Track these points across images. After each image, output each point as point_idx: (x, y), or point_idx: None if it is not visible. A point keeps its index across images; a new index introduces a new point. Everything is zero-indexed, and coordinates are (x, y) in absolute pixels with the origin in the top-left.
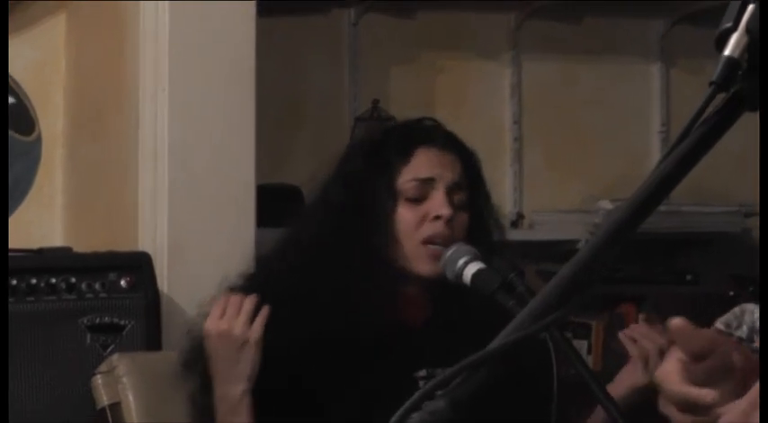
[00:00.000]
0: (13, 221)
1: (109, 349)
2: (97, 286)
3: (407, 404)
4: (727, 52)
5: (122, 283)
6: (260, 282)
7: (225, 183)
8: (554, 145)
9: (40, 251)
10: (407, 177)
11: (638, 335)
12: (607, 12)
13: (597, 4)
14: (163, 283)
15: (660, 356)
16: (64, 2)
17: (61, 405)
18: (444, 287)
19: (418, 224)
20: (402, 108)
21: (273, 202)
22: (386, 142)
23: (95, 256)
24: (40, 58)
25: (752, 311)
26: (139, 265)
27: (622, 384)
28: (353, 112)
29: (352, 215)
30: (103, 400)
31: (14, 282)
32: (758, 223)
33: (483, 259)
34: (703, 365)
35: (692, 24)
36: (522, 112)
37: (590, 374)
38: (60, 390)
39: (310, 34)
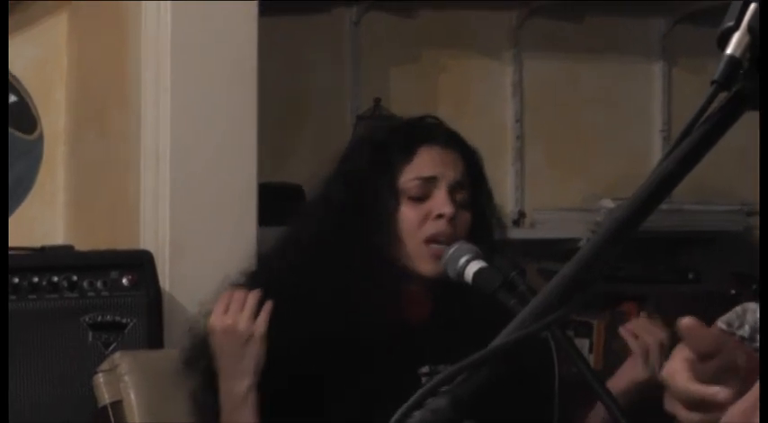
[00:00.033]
0: (16, 220)
1: (111, 347)
2: (99, 284)
3: (409, 402)
4: (728, 51)
5: (124, 281)
6: (261, 280)
7: (227, 181)
8: (556, 144)
9: (42, 249)
10: (410, 176)
11: (638, 329)
12: (609, 10)
13: (599, 2)
14: (165, 282)
15: (661, 350)
16: (66, 1)
17: (63, 403)
18: (446, 286)
19: (421, 223)
20: (403, 107)
21: (275, 201)
22: (388, 141)
23: (97, 254)
24: (41, 57)
25: (754, 311)
26: (141, 263)
27: (623, 379)
28: (355, 111)
29: (354, 214)
30: (105, 398)
31: (16, 280)
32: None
33: (484, 258)
34: (710, 364)
35: (693, 23)
36: (523, 110)
37: (591, 373)
38: (62, 388)
39: (312, 33)
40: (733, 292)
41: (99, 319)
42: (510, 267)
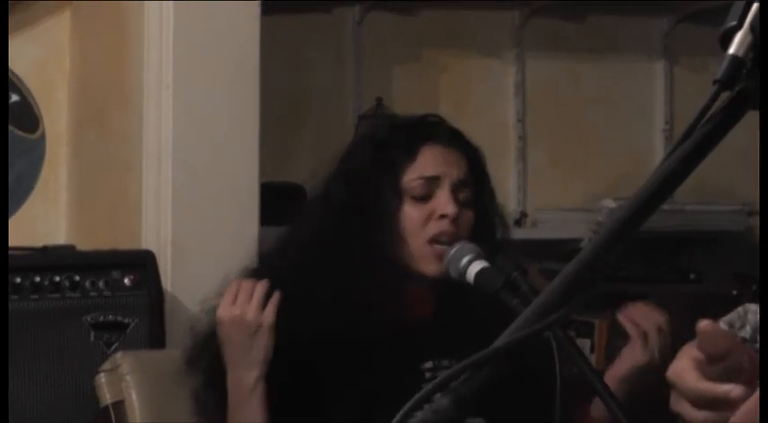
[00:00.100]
0: (18, 219)
1: (112, 347)
2: (101, 284)
3: (411, 402)
4: (731, 50)
5: (126, 281)
6: (262, 278)
7: (228, 181)
8: (558, 143)
9: (44, 249)
10: (413, 176)
11: (636, 314)
12: (611, 10)
13: (600, 2)
14: (166, 282)
15: (659, 334)
16: (68, 1)
17: (65, 403)
18: (449, 286)
19: (424, 223)
20: (405, 106)
21: (277, 201)
22: (390, 139)
23: (99, 254)
24: (44, 56)
25: (755, 311)
26: (143, 263)
27: (623, 364)
28: (357, 111)
29: (356, 213)
30: (107, 398)
31: (18, 280)
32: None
33: (486, 258)
34: (719, 366)
35: (695, 22)
36: (525, 110)
37: (593, 373)
38: (64, 388)
39: (314, 32)
40: (734, 292)
41: (101, 318)
42: (512, 267)
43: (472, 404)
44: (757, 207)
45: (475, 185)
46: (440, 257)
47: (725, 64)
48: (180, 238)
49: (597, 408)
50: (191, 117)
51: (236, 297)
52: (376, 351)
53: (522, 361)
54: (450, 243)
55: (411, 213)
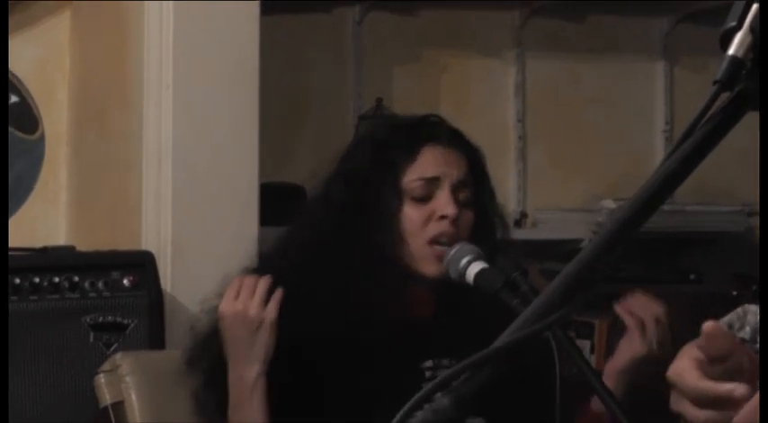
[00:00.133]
0: (18, 219)
1: (112, 348)
2: (100, 285)
3: (411, 402)
4: (731, 51)
5: (125, 281)
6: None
7: (228, 181)
8: (558, 143)
9: (44, 250)
10: (413, 177)
11: (634, 305)
12: (611, 10)
13: (601, 2)
14: (166, 282)
15: (657, 325)
16: (68, 1)
17: (64, 404)
18: (449, 287)
19: (424, 223)
20: (405, 106)
21: (276, 201)
22: (390, 140)
23: (99, 254)
24: (43, 57)
25: (755, 312)
26: (143, 263)
27: (622, 356)
28: (357, 111)
29: (356, 213)
30: (106, 398)
31: (18, 280)
32: None
33: (486, 258)
34: (721, 366)
35: (695, 23)
36: (525, 110)
37: (593, 373)
38: (63, 388)
39: (314, 33)
40: (734, 293)
41: (100, 319)
42: (512, 268)
43: (472, 404)
44: (757, 207)
45: (475, 186)
46: (440, 258)
47: (724, 64)
48: (179, 238)
49: (598, 403)
50: (191, 117)
51: (238, 293)
52: (376, 351)
53: (523, 361)
54: (451, 244)
55: (411, 214)
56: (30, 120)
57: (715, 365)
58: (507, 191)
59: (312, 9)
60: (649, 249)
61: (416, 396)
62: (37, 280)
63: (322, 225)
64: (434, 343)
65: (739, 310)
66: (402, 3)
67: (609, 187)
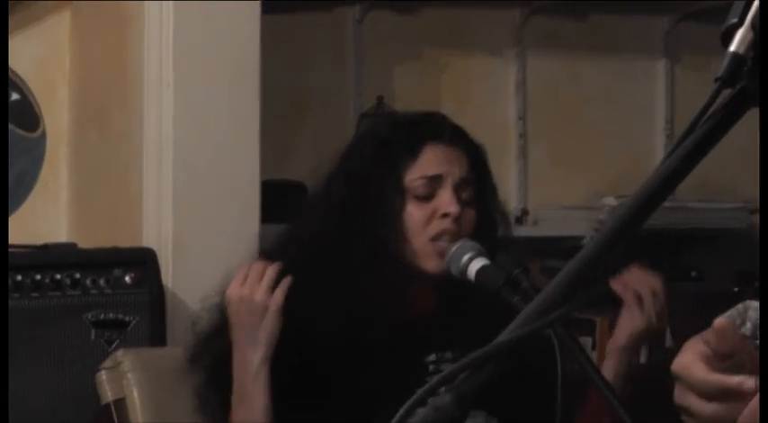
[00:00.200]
0: (19, 217)
1: (113, 345)
2: (102, 282)
3: (412, 399)
4: (732, 48)
5: (127, 278)
6: None
7: (229, 179)
8: (559, 142)
9: (45, 247)
10: (415, 175)
11: (630, 280)
12: (612, 8)
13: (601, 1)
14: (167, 279)
15: (654, 298)
16: (69, 0)
17: (66, 401)
18: (451, 283)
19: (426, 222)
20: (406, 105)
21: (277, 198)
22: (391, 137)
23: (100, 251)
24: (44, 55)
25: (756, 308)
26: (144, 260)
27: (622, 332)
28: (358, 110)
29: (358, 211)
30: (108, 395)
31: (19, 277)
32: None
33: (487, 255)
34: (726, 362)
35: (696, 21)
36: (526, 108)
37: (595, 370)
38: (65, 385)
39: (315, 31)
40: (736, 289)
41: (102, 316)
42: (513, 265)
43: (474, 401)
44: (758, 204)
45: (477, 183)
46: (441, 254)
47: (726, 61)
48: (181, 235)
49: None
50: (191, 116)
51: (246, 278)
52: (379, 348)
53: (524, 358)
54: (453, 241)
55: (413, 213)
56: (31, 117)
57: (721, 361)
58: (508, 188)
59: (313, 8)
60: (651, 246)
61: (416, 394)
62: (38, 277)
63: (323, 222)
64: (437, 337)
65: (740, 306)
66: (403, 1)
67: (610, 185)
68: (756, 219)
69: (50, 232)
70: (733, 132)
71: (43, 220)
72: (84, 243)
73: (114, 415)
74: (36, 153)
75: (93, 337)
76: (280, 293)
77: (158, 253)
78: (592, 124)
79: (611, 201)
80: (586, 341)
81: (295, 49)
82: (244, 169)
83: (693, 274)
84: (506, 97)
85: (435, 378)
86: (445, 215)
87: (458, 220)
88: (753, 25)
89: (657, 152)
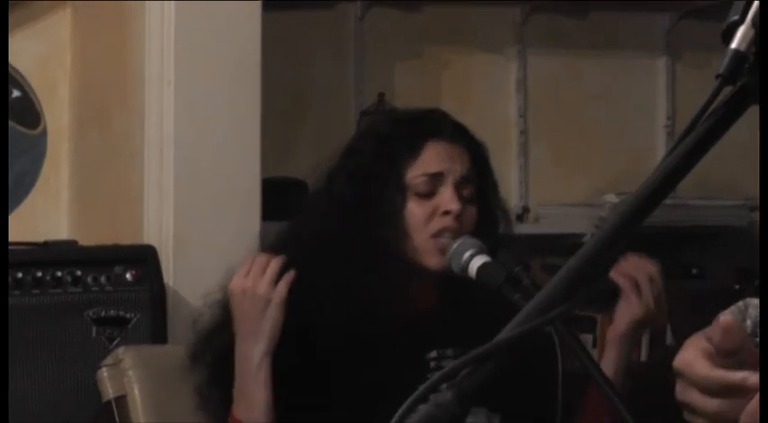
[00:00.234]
0: (20, 215)
1: (114, 342)
2: (103, 279)
3: (414, 396)
4: (733, 45)
5: (128, 276)
6: None
7: (230, 176)
8: (559, 139)
9: (46, 244)
10: (416, 173)
11: (627, 267)
12: (612, 6)
13: None
14: (168, 277)
15: (651, 284)
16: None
17: (67, 398)
18: (452, 279)
19: (427, 219)
20: (407, 102)
21: (278, 196)
22: (392, 135)
23: (101, 249)
24: (45, 52)
25: (756, 306)
26: (145, 258)
27: (622, 320)
28: (359, 107)
29: (359, 208)
30: (109, 392)
31: (20, 275)
32: None
33: (488, 252)
34: (729, 360)
35: (697, 19)
36: (527, 106)
37: (595, 367)
38: (66, 383)
39: (315, 29)
40: (737, 287)
41: (103, 313)
42: (514, 262)
43: (475, 398)
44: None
45: (478, 180)
46: (443, 251)
47: (727, 59)
48: (181, 233)
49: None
50: (192, 113)
51: (250, 270)
52: (380, 344)
53: (525, 355)
54: (454, 238)
55: (415, 210)
56: (32, 115)
57: (724, 358)
58: (509, 186)
59: (314, 5)
60: (651, 244)
61: (417, 392)
62: (39, 274)
63: (324, 220)
64: (438, 334)
65: (740, 303)
66: None
67: (611, 182)
68: (757, 216)
69: (51, 229)
70: (734, 130)
71: (44, 217)
72: (85, 240)
73: (115, 412)
74: (37, 150)
75: (94, 334)
76: (283, 286)
77: (159, 250)
78: (593, 122)
79: (611, 198)
80: (587, 338)
81: (296, 46)
82: (244, 167)
83: (694, 271)
84: (507, 95)
85: (436, 375)
86: (446, 213)
87: (459, 217)
88: (754, 22)
89: (658, 149)
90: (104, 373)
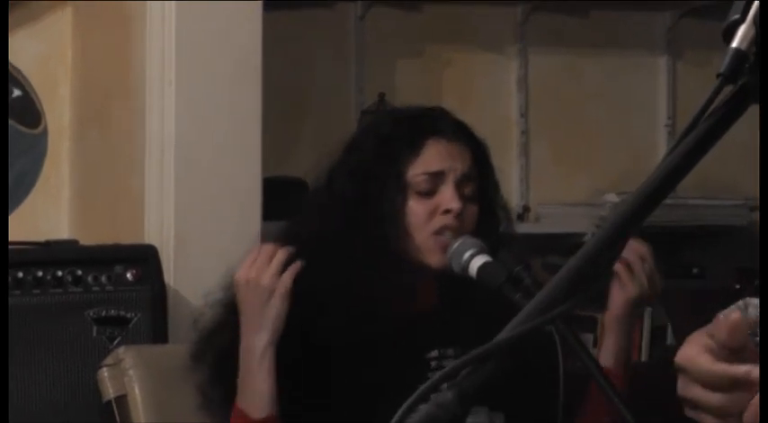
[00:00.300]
0: (20, 214)
1: (115, 342)
2: (103, 279)
3: (414, 395)
4: (734, 44)
5: (128, 275)
6: None
7: (231, 176)
8: (560, 138)
9: (47, 244)
10: (417, 171)
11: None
12: (613, 5)
13: None
14: (169, 276)
15: (643, 264)
16: None
17: (67, 398)
18: (453, 277)
19: (428, 218)
20: (408, 102)
21: (279, 195)
22: (393, 133)
23: (102, 248)
24: (46, 52)
25: (756, 305)
26: (146, 257)
27: (616, 302)
28: (360, 106)
29: (360, 206)
30: (109, 392)
31: (21, 274)
32: None
33: (489, 252)
34: (732, 357)
35: (698, 17)
36: (528, 105)
37: (596, 367)
38: (66, 382)
39: (316, 28)
40: (737, 286)
41: (103, 313)
42: (515, 262)
43: (476, 397)
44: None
45: (479, 179)
46: (443, 249)
47: (728, 58)
48: (182, 232)
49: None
50: (193, 113)
51: (255, 260)
52: (381, 343)
53: (526, 355)
54: (455, 236)
55: (416, 208)
56: (33, 114)
57: (727, 356)
58: (510, 185)
59: (314, 4)
60: (652, 243)
61: (417, 392)
62: (40, 274)
63: (325, 219)
64: (439, 333)
65: (740, 302)
66: None
67: (612, 181)
68: (757, 216)
69: (52, 229)
70: (734, 129)
71: (44, 216)
72: (86, 240)
73: (116, 412)
74: (37, 150)
75: (94, 333)
76: (288, 277)
77: (160, 250)
78: (593, 121)
79: (612, 197)
80: (588, 338)
81: (296, 45)
82: (245, 166)
83: (694, 271)
84: (508, 94)
85: (437, 374)
86: (447, 211)
87: (460, 216)
88: (755, 21)
89: (659, 149)
90: (105, 372)
